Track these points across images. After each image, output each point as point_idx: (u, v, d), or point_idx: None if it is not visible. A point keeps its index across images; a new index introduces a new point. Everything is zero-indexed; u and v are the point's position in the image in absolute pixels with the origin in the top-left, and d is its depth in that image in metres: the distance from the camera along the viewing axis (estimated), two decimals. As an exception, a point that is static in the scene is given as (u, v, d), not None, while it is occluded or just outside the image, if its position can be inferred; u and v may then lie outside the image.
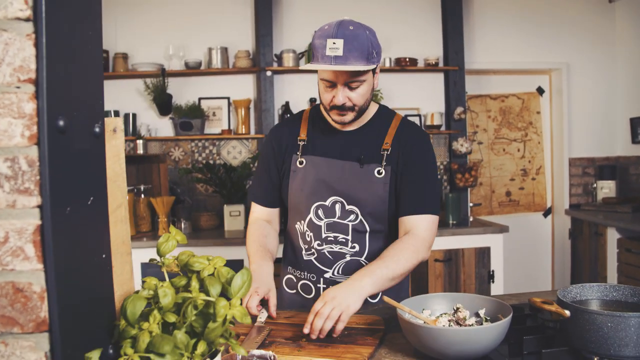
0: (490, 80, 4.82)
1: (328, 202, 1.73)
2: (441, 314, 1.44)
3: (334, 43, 1.52)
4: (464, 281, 3.85)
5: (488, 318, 1.41)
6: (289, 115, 4.06)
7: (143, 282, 0.91)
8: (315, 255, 1.77)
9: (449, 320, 1.40)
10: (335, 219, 1.73)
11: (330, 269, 1.76)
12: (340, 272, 1.76)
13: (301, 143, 1.78)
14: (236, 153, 4.33)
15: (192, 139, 4.28)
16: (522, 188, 4.92)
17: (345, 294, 1.45)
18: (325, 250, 1.75)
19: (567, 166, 4.78)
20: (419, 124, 4.37)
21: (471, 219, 4.26)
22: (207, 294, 0.87)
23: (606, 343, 1.17)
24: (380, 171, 1.71)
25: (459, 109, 4.35)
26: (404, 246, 1.62)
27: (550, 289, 4.91)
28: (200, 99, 4.30)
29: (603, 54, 4.75)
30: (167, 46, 4.16)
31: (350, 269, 1.73)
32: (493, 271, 3.87)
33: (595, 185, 4.75)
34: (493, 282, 3.88)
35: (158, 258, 0.97)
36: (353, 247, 1.74)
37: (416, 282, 3.78)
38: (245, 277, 0.87)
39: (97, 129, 0.84)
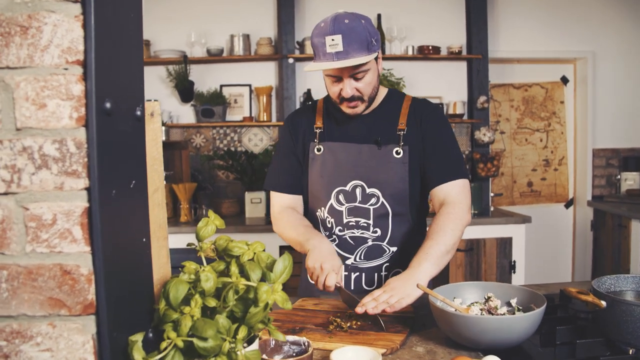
0: (513, 69, 4.74)
1: (348, 187, 1.72)
2: (472, 303, 1.43)
3: (332, 40, 1.52)
4: (485, 271, 3.83)
5: (520, 307, 1.39)
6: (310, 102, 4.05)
7: (182, 266, 0.91)
8: (337, 241, 1.77)
9: (481, 309, 1.38)
10: (356, 204, 1.72)
11: (352, 254, 1.75)
12: (362, 257, 1.75)
13: (318, 131, 1.79)
14: (257, 140, 4.33)
15: (213, 126, 4.28)
16: (544, 179, 4.86)
17: (405, 285, 1.46)
18: (346, 236, 1.75)
19: (591, 157, 4.70)
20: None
21: (492, 209, 4.23)
22: (248, 279, 0.86)
23: (644, 335, 1.15)
24: (399, 151, 1.71)
25: (482, 98, 4.30)
26: (446, 218, 1.61)
27: (570, 280, 4.85)
28: (222, 86, 4.30)
29: (630, 42, 4.63)
30: (189, 33, 4.15)
31: (372, 253, 1.74)
32: (514, 261, 3.84)
33: (619, 176, 4.67)
34: (514, 272, 3.85)
35: (196, 242, 0.97)
36: (375, 232, 1.73)
37: (437, 271, 3.76)
38: (287, 262, 0.87)
39: (138, 112, 0.84)
